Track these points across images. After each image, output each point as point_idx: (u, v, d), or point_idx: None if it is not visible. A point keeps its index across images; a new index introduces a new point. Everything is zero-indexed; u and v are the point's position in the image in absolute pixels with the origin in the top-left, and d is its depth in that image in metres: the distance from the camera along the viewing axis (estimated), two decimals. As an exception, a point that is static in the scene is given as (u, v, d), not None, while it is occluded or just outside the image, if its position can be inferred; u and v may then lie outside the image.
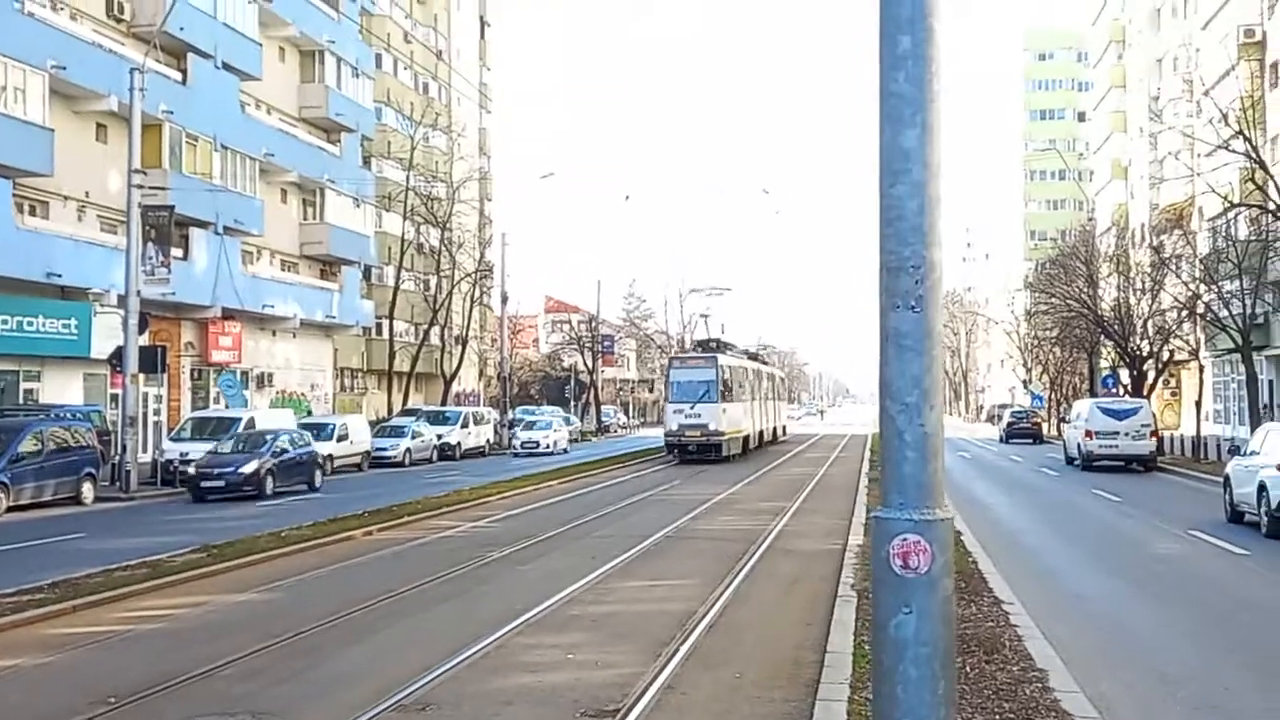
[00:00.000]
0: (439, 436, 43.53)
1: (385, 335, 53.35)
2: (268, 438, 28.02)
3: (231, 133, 39.65)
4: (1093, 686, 8.36)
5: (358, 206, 49.41)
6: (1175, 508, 22.88)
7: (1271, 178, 30.59)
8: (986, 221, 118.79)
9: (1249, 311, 34.99)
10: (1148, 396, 42.39)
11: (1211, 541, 17.29)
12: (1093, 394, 50.10)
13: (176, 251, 33.94)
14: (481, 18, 73.15)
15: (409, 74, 60.71)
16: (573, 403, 77.32)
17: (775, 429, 53.45)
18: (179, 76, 37.42)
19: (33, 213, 31.90)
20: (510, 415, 57.29)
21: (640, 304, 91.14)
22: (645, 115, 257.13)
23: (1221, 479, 21.04)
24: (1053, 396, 70.25)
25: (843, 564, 14.08)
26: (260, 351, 43.09)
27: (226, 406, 38.01)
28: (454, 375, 58.03)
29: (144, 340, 29.62)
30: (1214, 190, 35.16)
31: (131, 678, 9.00)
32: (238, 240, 40.36)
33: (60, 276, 31.01)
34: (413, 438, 41.18)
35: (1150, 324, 44.77)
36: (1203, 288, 38.35)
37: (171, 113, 35.41)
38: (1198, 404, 43.69)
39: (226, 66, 39.42)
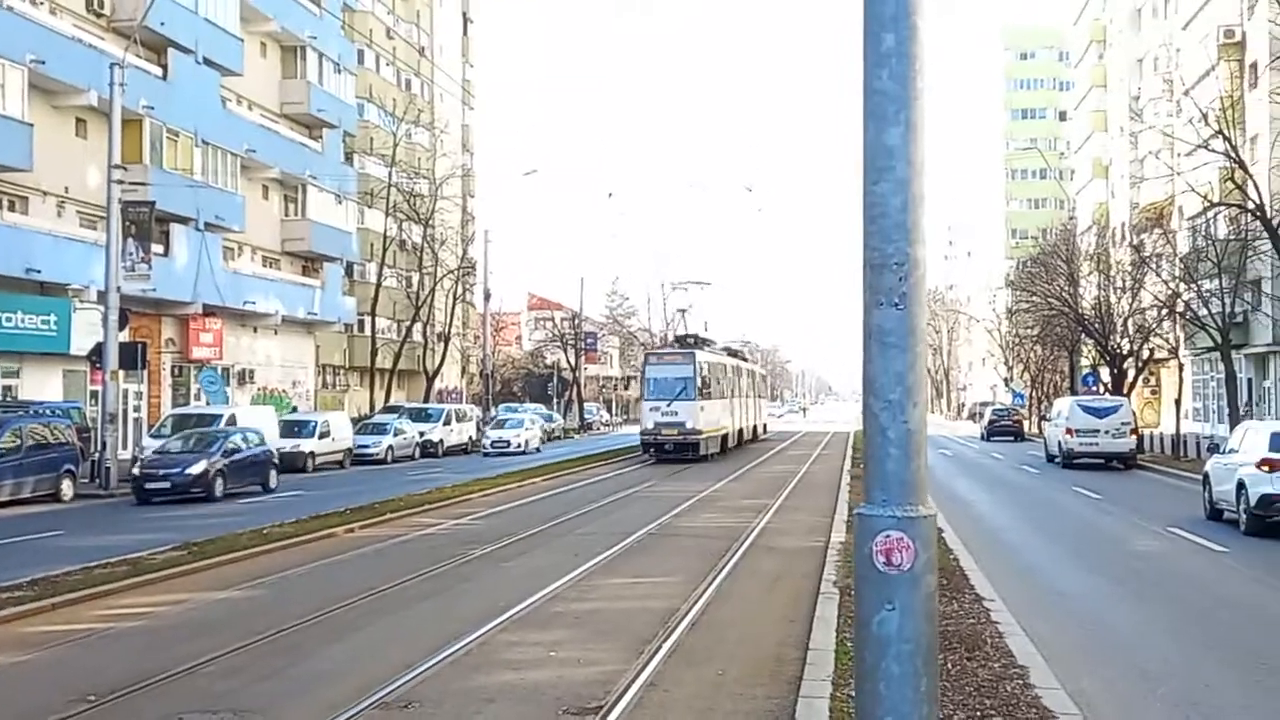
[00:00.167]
0: (421, 434, 43.42)
1: (367, 332, 53.24)
2: (218, 436, 26.93)
3: (212, 128, 39.45)
4: (1073, 683, 8.40)
5: (340, 203, 49.25)
6: (1155, 505, 23.00)
7: (1250, 177, 30.77)
8: (968, 220, 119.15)
9: (1228, 310, 35.20)
10: (1128, 395, 42.63)
11: (1191, 539, 17.39)
12: (1073, 392, 50.35)
13: (157, 247, 33.75)
14: (464, 14, 73.03)
15: (391, 70, 60.58)
16: (555, 400, 77.29)
17: (755, 427, 52.23)
18: (159, 72, 37.20)
19: (12, 208, 31.70)
20: (493, 412, 57.24)
21: (623, 301, 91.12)
22: (628, 112, 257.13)
23: (1201, 477, 21.19)
24: (1034, 394, 70.53)
25: (825, 561, 14.12)
26: (241, 348, 42.91)
27: (208, 403, 37.86)
28: (436, 372, 57.95)
29: (124, 337, 29.47)
30: (1194, 189, 35.32)
31: (111, 676, 8.94)
32: (219, 236, 40.18)
33: (39, 272, 30.80)
34: (395, 435, 41.07)
35: (1130, 322, 44.98)
36: (1182, 286, 38.56)
37: (152, 108, 35.20)
38: (1177, 402, 43.96)
39: (207, 62, 39.21)
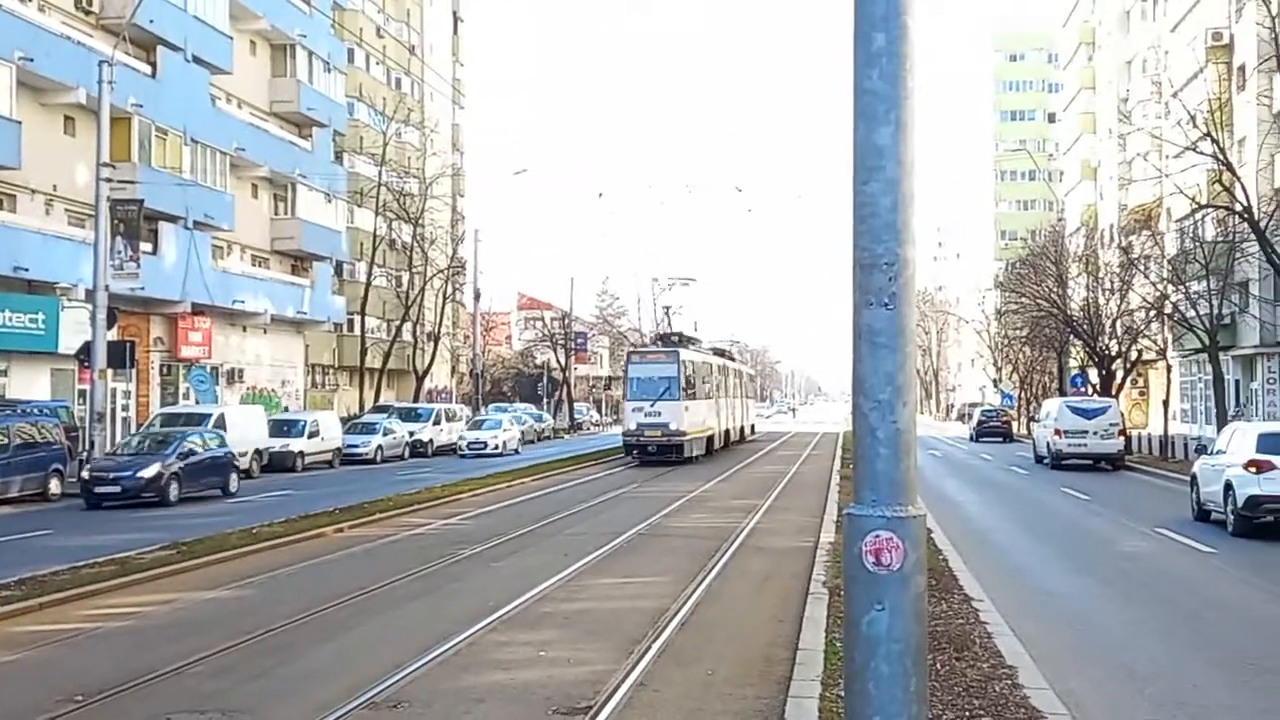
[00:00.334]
0: (411, 433, 43.38)
1: (357, 331, 53.12)
2: (174, 438, 25.75)
3: (202, 126, 39.34)
4: (1061, 683, 8.42)
5: (329, 202, 49.14)
6: (1143, 506, 23.08)
7: (1238, 179, 30.89)
8: (957, 221, 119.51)
9: (1216, 312, 35.34)
10: (1116, 396, 42.78)
11: (1179, 540, 17.45)
12: (1062, 393, 50.46)
13: (145, 246, 33.61)
14: (454, 13, 72.97)
15: (381, 69, 60.49)
16: (546, 400, 77.22)
17: (743, 428, 51.14)
18: (148, 69, 37.10)
19: (0, 206, 31.56)
20: (483, 412, 57.15)
21: (613, 301, 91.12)
22: (618, 112, 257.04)
23: (1188, 478, 21.24)
24: (1022, 395, 70.73)
25: (814, 561, 14.14)
26: (230, 347, 42.79)
27: (197, 402, 37.77)
28: (426, 372, 57.87)
29: (112, 335, 29.36)
30: (1182, 191, 35.47)
31: (99, 676, 8.92)
32: (208, 235, 40.05)
33: (27, 270, 30.68)
34: (384, 435, 41.01)
35: (1119, 324, 45.14)
36: (1170, 288, 38.71)
37: (141, 106, 35.11)
38: (1165, 403, 44.11)
39: (197, 60, 39.10)
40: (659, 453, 35.12)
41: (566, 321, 77.42)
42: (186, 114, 38.16)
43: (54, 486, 25.00)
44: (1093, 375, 48.75)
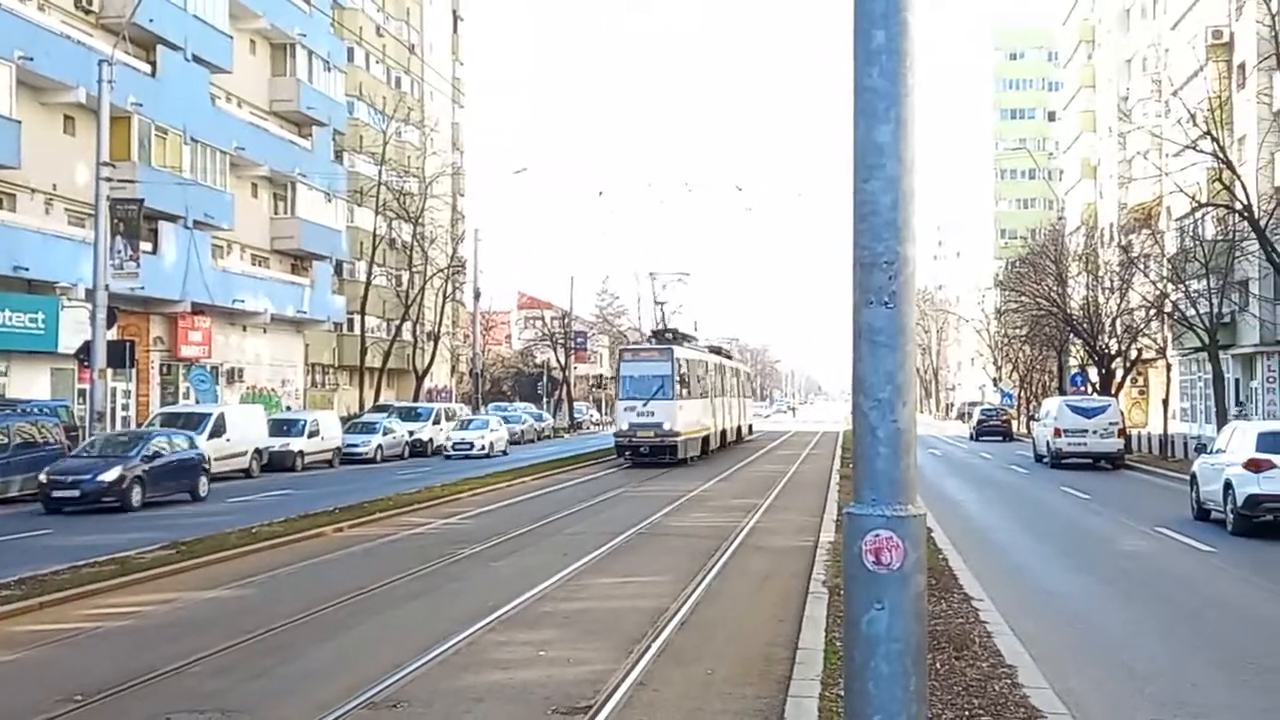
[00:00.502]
0: (411, 433, 43.33)
1: (357, 331, 53.12)
2: (139, 440, 24.61)
3: (201, 126, 39.34)
4: (1061, 682, 8.41)
5: (329, 201, 49.15)
6: (1142, 505, 23.07)
7: (1238, 178, 30.87)
8: (957, 219, 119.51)
9: (1216, 311, 35.33)
10: (1116, 395, 42.78)
11: (1178, 539, 17.45)
12: (1062, 392, 50.48)
13: (145, 245, 33.61)
14: (454, 12, 72.95)
15: (381, 68, 60.47)
16: (545, 399, 77.22)
17: (740, 428, 49.69)
18: (148, 69, 37.10)
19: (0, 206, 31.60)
20: (482, 412, 57.12)
21: (613, 300, 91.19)
22: (618, 111, 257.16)
23: (1188, 477, 21.24)
24: (1022, 394, 70.73)
25: (814, 560, 14.13)
26: (230, 347, 42.79)
27: (197, 402, 37.77)
28: (426, 371, 57.86)
29: (112, 335, 29.35)
30: (1182, 190, 35.45)
31: (99, 675, 8.91)
32: (208, 234, 40.05)
33: (27, 270, 30.68)
34: (384, 434, 40.98)
35: (1118, 323, 45.13)
36: (1170, 287, 38.69)
37: (141, 105, 35.11)
38: (1165, 402, 44.12)
39: (196, 59, 39.11)
40: (652, 454, 34.14)
41: (566, 321, 77.42)
42: (186, 113, 38.16)
43: (54, 486, 24.87)
44: (1092, 374, 48.75)
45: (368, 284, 52.16)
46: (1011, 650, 9.18)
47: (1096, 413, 34.88)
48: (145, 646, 10.09)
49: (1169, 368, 45.75)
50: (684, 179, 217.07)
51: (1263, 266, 33.87)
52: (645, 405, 34.01)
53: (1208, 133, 30.68)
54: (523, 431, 56.01)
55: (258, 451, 32.75)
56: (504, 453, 43.26)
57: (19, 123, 30.27)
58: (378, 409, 48.01)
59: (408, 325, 56.07)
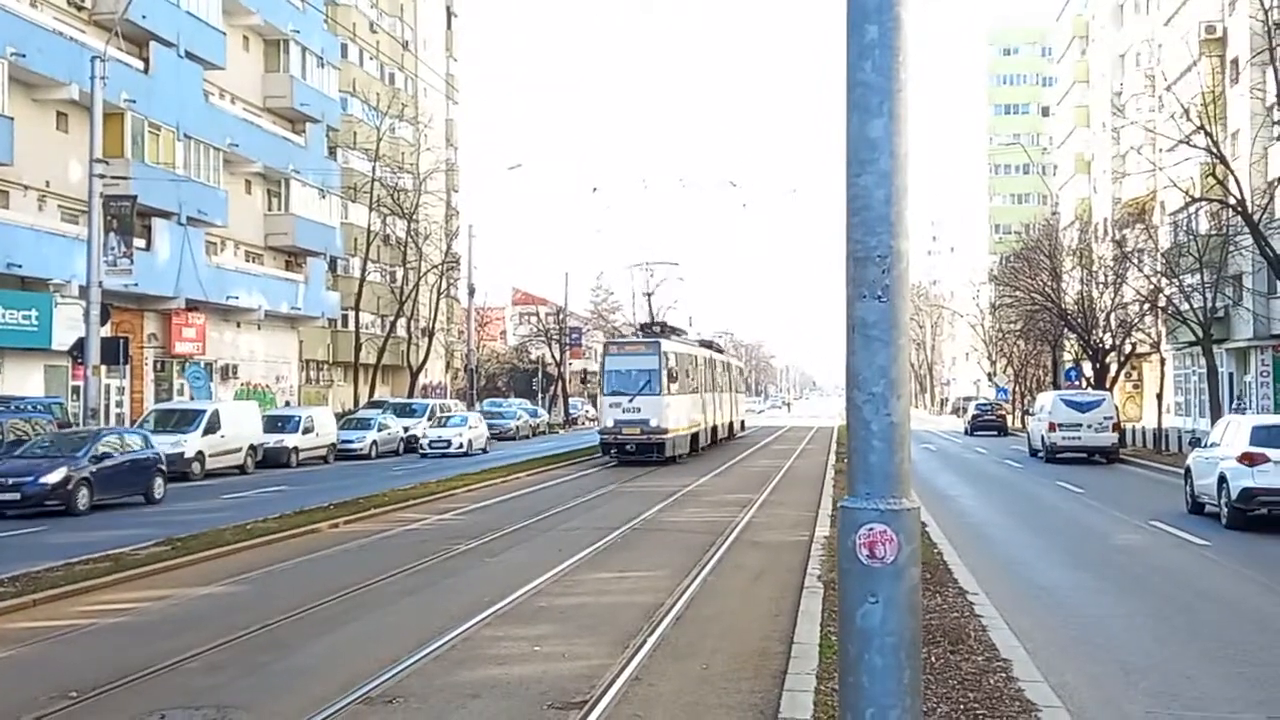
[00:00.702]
0: (405, 429, 43.31)
1: (351, 327, 53.10)
2: (87, 439, 22.94)
3: (195, 122, 39.27)
4: (1056, 676, 8.44)
5: (323, 197, 49.10)
6: (1137, 499, 23.11)
7: (1231, 172, 30.93)
8: (951, 215, 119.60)
9: (1209, 305, 35.41)
10: (1110, 389, 42.87)
11: (1173, 533, 17.48)
12: (1056, 387, 50.55)
13: (139, 242, 33.60)
14: (448, 8, 72.79)
15: (375, 64, 60.36)
16: (540, 395, 77.23)
17: (731, 424, 48.27)
18: (141, 65, 37.02)
19: (-8, 202, 31.52)
20: (477, 408, 57.13)
21: (608, 296, 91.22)
22: (612, 107, 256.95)
23: (1182, 471, 21.30)
24: (1017, 389, 70.85)
25: (809, 555, 14.15)
26: (224, 343, 42.74)
27: (192, 398, 37.72)
28: (420, 368, 57.83)
29: (106, 332, 29.31)
30: (1175, 185, 35.53)
31: (93, 672, 8.90)
32: (201, 231, 39.98)
33: (20, 267, 30.61)
34: (379, 430, 40.95)
35: (1113, 317, 45.21)
36: (1164, 281, 38.76)
37: (134, 102, 35.03)
38: (1159, 396, 44.21)
39: (189, 55, 39.03)
40: (638, 452, 32.87)
41: (561, 317, 77.41)
42: (179, 110, 38.09)
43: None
44: (1087, 369, 48.84)
45: (362, 280, 52.10)
46: (1006, 644, 9.20)
47: (1091, 407, 34.93)
48: (139, 643, 10.07)
49: (1163, 362, 45.83)
50: (678, 175, 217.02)
51: (1256, 261, 33.95)
52: (631, 401, 32.78)
53: (1201, 127, 30.72)
54: (517, 427, 56.01)
55: (252, 448, 32.73)
56: (484, 450, 41.91)
57: (11, 119, 30.21)
58: (372, 405, 47.97)
59: (402, 321, 56.05)
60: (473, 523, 18.92)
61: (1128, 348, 45.70)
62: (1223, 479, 17.84)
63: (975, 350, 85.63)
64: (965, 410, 68.44)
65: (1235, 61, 39.49)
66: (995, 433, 56.37)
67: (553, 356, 76.95)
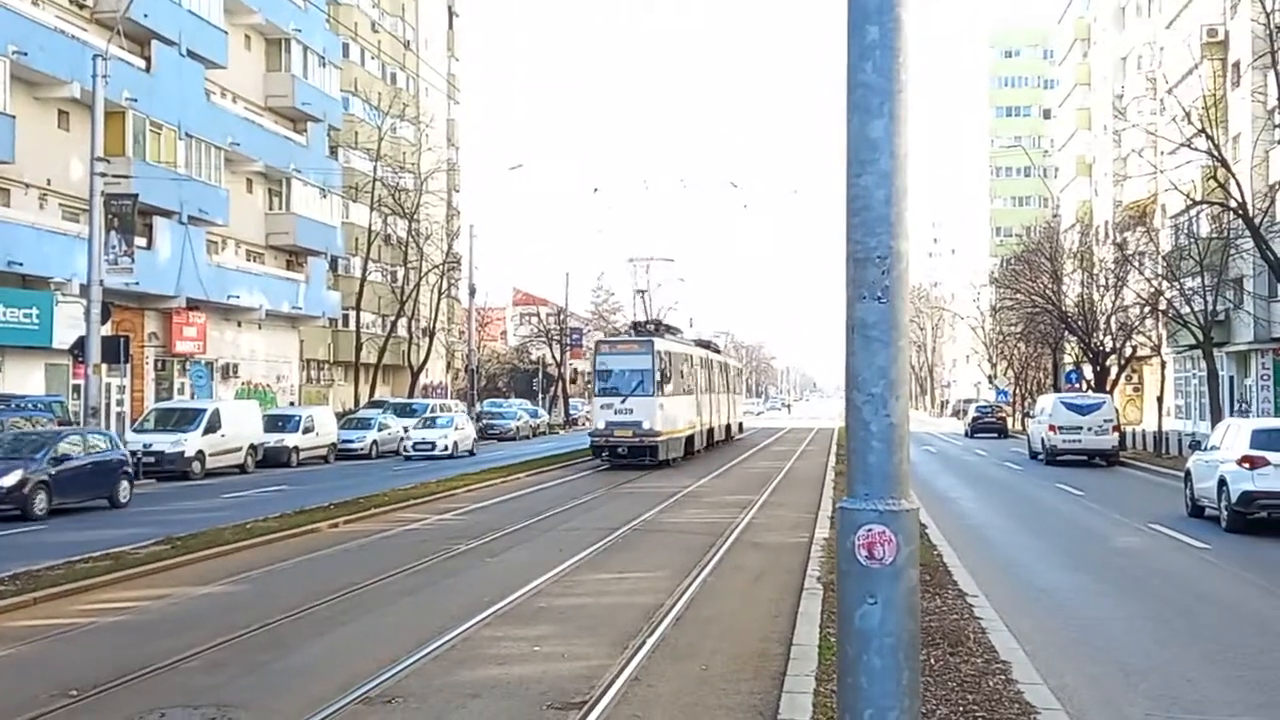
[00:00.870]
0: (406, 429, 43.27)
1: (352, 327, 53.12)
2: (46, 440, 21.75)
3: (196, 121, 39.28)
4: (1056, 678, 8.43)
5: (324, 197, 49.10)
6: (1137, 502, 23.11)
7: (1233, 175, 30.91)
8: (952, 217, 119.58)
9: (1210, 308, 35.38)
10: (1110, 392, 42.82)
11: (1173, 535, 17.48)
12: (1056, 389, 50.52)
13: (140, 241, 33.60)
14: (449, 8, 72.83)
15: (376, 64, 60.40)
16: (541, 395, 77.23)
17: (728, 426, 47.10)
18: (143, 64, 37.03)
19: (-7, 201, 31.53)
20: (478, 408, 57.15)
21: (609, 297, 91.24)
22: (614, 107, 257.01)
23: (1182, 474, 21.28)
24: (1017, 391, 70.80)
25: (809, 557, 14.14)
26: (225, 342, 42.74)
27: (193, 396, 37.72)
28: (421, 367, 57.84)
29: (106, 330, 29.34)
30: (1176, 188, 35.50)
31: (93, 670, 8.90)
32: (202, 230, 39.99)
33: (21, 265, 30.60)
34: (379, 430, 40.95)
35: (1113, 320, 45.18)
36: (1165, 284, 38.73)
37: (135, 100, 35.04)
38: (1159, 399, 44.17)
39: (191, 54, 39.04)
40: (631, 455, 31.65)
41: (561, 317, 77.42)
42: (181, 108, 38.10)
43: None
44: (1087, 371, 48.80)
45: (363, 280, 52.11)
46: (1006, 646, 9.20)
47: (1091, 410, 34.93)
48: (139, 642, 10.08)
49: (1163, 365, 45.79)
50: (679, 175, 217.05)
51: (1257, 264, 33.92)
52: (623, 402, 31.54)
53: (1202, 130, 30.71)
54: (517, 428, 56.03)
55: (253, 447, 32.78)
56: (470, 453, 40.86)
57: (13, 117, 30.22)
58: (373, 405, 47.99)
59: (403, 321, 56.06)
60: (473, 523, 18.92)
61: (1128, 351, 45.68)
62: (1223, 482, 17.84)
63: (976, 353, 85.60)
64: (965, 412, 68.42)
65: (1237, 65, 39.48)
66: (995, 435, 56.35)
67: (553, 357, 76.96)
